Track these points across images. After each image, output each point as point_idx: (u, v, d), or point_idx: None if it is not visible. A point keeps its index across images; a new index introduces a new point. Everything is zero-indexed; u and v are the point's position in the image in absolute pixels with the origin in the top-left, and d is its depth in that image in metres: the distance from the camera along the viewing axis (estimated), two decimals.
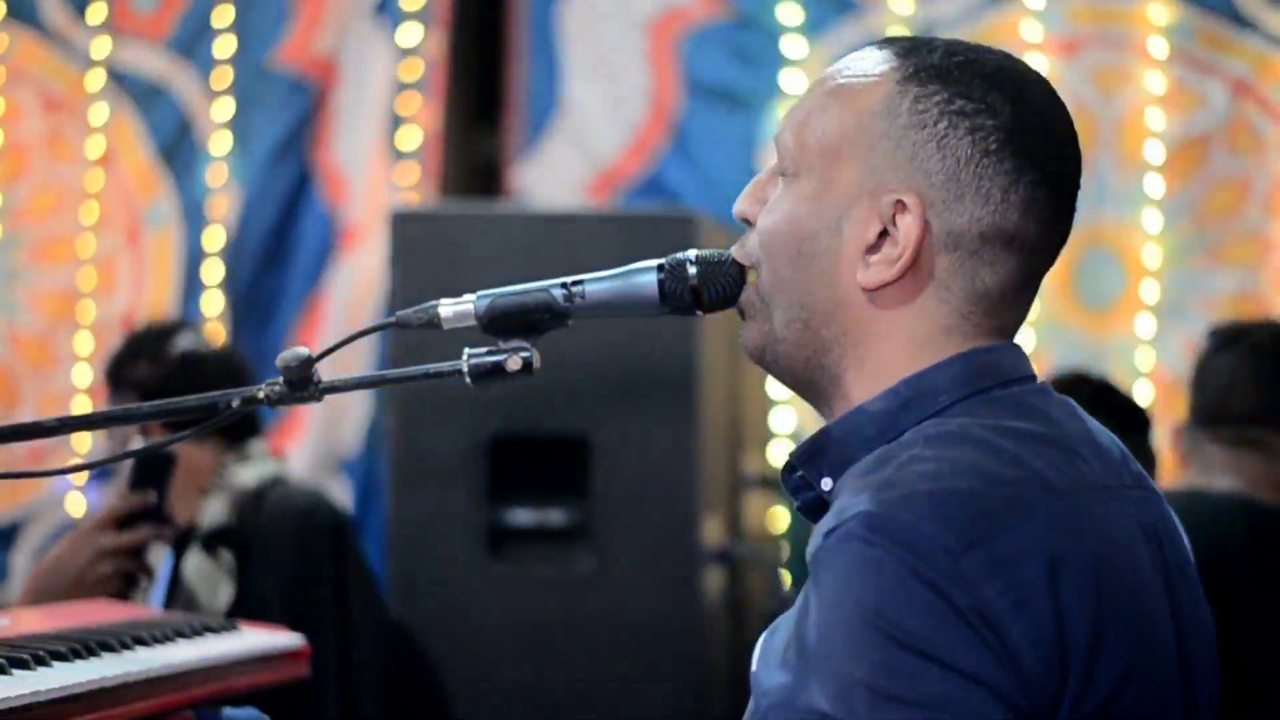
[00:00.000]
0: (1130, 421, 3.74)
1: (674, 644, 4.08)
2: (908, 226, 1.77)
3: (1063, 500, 1.70)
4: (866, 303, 1.80)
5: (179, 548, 3.88)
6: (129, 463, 2.95)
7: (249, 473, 3.89)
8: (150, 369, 4.03)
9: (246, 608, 3.71)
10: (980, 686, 1.60)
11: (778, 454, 4.98)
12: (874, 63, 1.83)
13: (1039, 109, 1.80)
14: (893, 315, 1.80)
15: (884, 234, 1.79)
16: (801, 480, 1.84)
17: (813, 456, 1.82)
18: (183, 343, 4.13)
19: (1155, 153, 4.82)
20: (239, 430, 3.93)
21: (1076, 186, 1.83)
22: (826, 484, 1.80)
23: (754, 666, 1.78)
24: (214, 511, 3.84)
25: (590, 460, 4.14)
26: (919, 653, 1.60)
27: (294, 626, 3.34)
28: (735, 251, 1.91)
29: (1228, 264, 4.81)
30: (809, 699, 1.62)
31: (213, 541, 3.82)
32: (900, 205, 1.77)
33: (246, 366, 3.98)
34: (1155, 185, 4.82)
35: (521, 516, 4.19)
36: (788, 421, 4.95)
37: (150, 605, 3.91)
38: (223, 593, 3.78)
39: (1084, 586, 1.66)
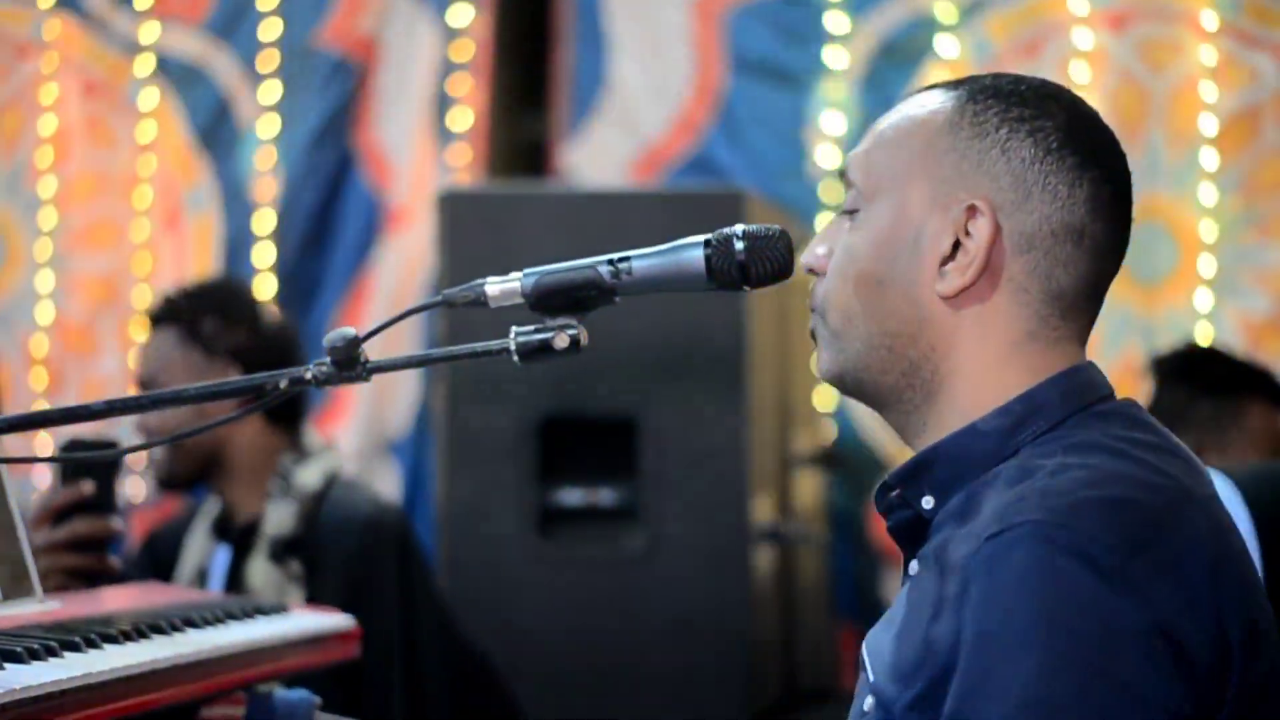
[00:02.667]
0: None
1: (723, 623, 4.08)
2: (979, 229, 1.81)
3: (1202, 507, 1.74)
4: (949, 313, 1.83)
5: (239, 546, 3.85)
6: (56, 476, 2.81)
7: (311, 473, 3.84)
8: (250, 338, 3.91)
9: None
10: (1142, 705, 1.61)
11: (827, 433, 4.97)
12: (928, 99, 1.90)
13: (1089, 114, 1.88)
14: (976, 322, 1.83)
15: (957, 245, 1.82)
16: (898, 499, 1.86)
17: (915, 475, 1.84)
18: (269, 314, 4.03)
19: (1209, 126, 4.78)
20: (290, 414, 3.90)
21: (1131, 189, 1.88)
22: (928, 503, 1.83)
23: (870, 673, 1.79)
24: (280, 519, 3.79)
25: (640, 440, 4.13)
26: (1086, 664, 1.61)
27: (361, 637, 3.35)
28: (810, 300, 1.93)
29: (1278, 238, 4.77)
30: (969, 707, 1.63)
31: (280, 551, 3.79)
32: (971, 210, 1.82)
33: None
34: (1210, 159, 4.78)
35: (571, 496, 4.19)
36: (834, 400, 4.94)
37: None
38: (293, 602, 3.76)
39: (1235, 588, 1.70)
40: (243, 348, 3.82)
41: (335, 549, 3.73)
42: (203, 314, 3.89)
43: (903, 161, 1.85)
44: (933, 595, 1.72)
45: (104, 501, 2.81)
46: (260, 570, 3.75)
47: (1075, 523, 1.64)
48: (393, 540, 3.76)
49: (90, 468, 2.81)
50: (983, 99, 1.85)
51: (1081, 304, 1.84)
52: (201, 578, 3.89)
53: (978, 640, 1.63)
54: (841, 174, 1.93)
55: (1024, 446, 1.78)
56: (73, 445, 2.79)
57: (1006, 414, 1.80)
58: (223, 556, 3.88)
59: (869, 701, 1.78)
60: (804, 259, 1.93)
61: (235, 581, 3.81)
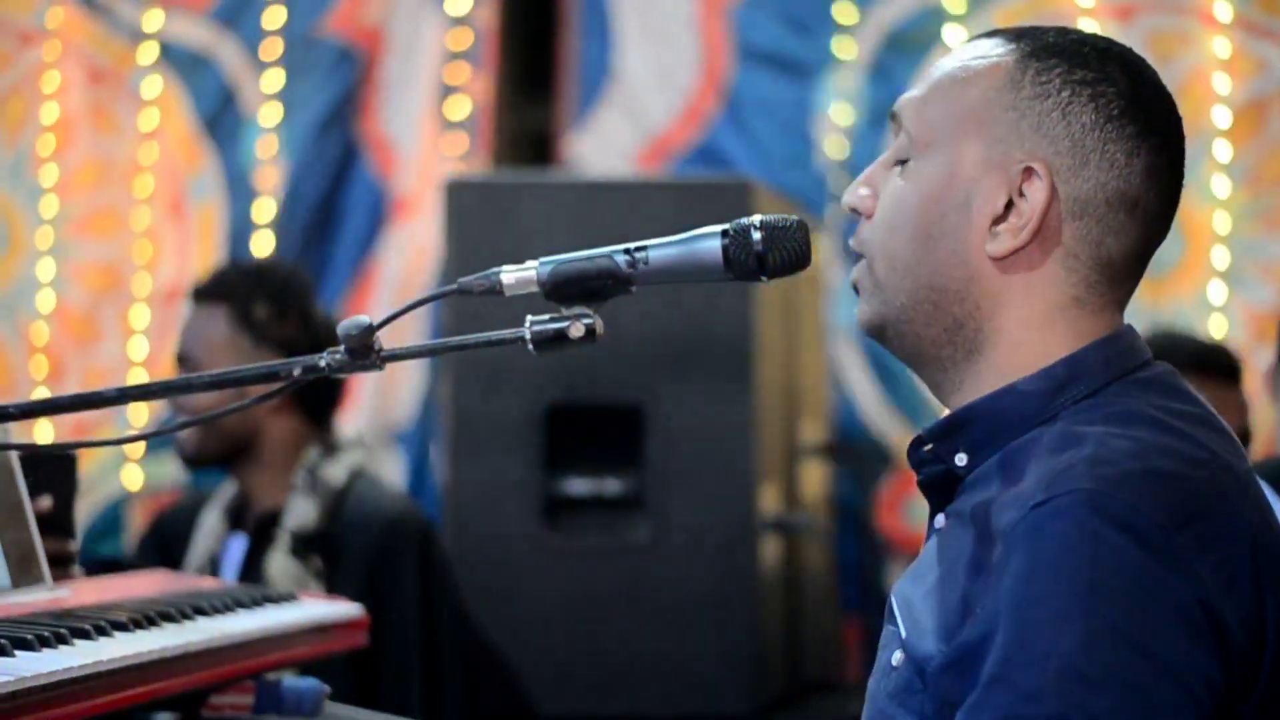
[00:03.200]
0: (1230, 372, 3.89)
1: (729, 613, 4.07)
2: (1035, 192, 1.80)
3: (1242, 481, 1.74)
4: (998, 274, 1.82)
5: (258, 536, 3.83)
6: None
7: (338, 469, 3.82)
8: (299, 331, 3.86)
9: None
10: (1180, 681, 1.61)
11: (835, 423, 4.96)
12: (988, 47, 1.87)
13: (1152, 80, 1.85)
14: (1024, 284, 1.82)
15: (1010, 205, 1.81)
16: (930, 454, 1.85)
17: (951, 432, 1.84)
18: (320, 306, 3.98)
19: (1222, 117, 4.77)
20: (323, 407, 3.87)
21: (1184, 157, 1.86)
22: (961, 459, 1.82)
23: (901, 628, 1.79)
24: (303, 513, 3.77)
25: (646, 429, 4.12)
26: (1127, 637, 1.61)
27: (376, 637, 3.35)
28: (853, 242, 1.92)
29: None
30: (1008, 674, 1.62)
31: (302, 545, 3.77)
32: (1028, 172, 1.80)
33: None
34: (1223, 150, 4.77)
35: (577, 486, 4.18)
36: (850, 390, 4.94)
37: None
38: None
39: (1274, 567, 1.69)
40: (291, 339, 3.77)
41: (357, 546, 3.72)
42: (256, 298, 3.84)
43: (959, 114, 1.84)
44: (969, 557, 1.72)
45: (62, 520, 2.71)
46: (280, 564, 3.73)
47: (1122, 494, 1.64)
48: (415, 539, 3.75)
49: (49, 485, 2.69)
50: (1046, 57, 1.82)
51: (1129, 271, 1.84)
52: (213, 564, 3.87)
53: (1019, 607, 1.63)
54: (892, 115, 1.91)
55: (1064, 410, 1.77)
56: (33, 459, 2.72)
57: (1048, 377, 1.79)
58: (238, 545, 3.86)
59: (898, 655, 1.78)
60: (848, 199, 1.91)
61: (251, 572, 3.79)
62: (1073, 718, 1.58)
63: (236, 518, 3.89)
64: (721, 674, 4.07)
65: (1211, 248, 4.77)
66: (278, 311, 3.80)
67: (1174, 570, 1.63)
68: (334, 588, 3.67)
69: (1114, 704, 1.59)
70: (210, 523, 3.93)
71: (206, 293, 3.90)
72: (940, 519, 1.85)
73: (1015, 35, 1.87)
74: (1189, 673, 1.61)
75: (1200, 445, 1.73)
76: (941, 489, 1.85)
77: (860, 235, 1.90)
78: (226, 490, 3.94)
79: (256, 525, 3.82)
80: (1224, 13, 4.77)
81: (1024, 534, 1.65)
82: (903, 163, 1.87)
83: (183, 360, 3.85)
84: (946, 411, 1.88)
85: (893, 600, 1.84)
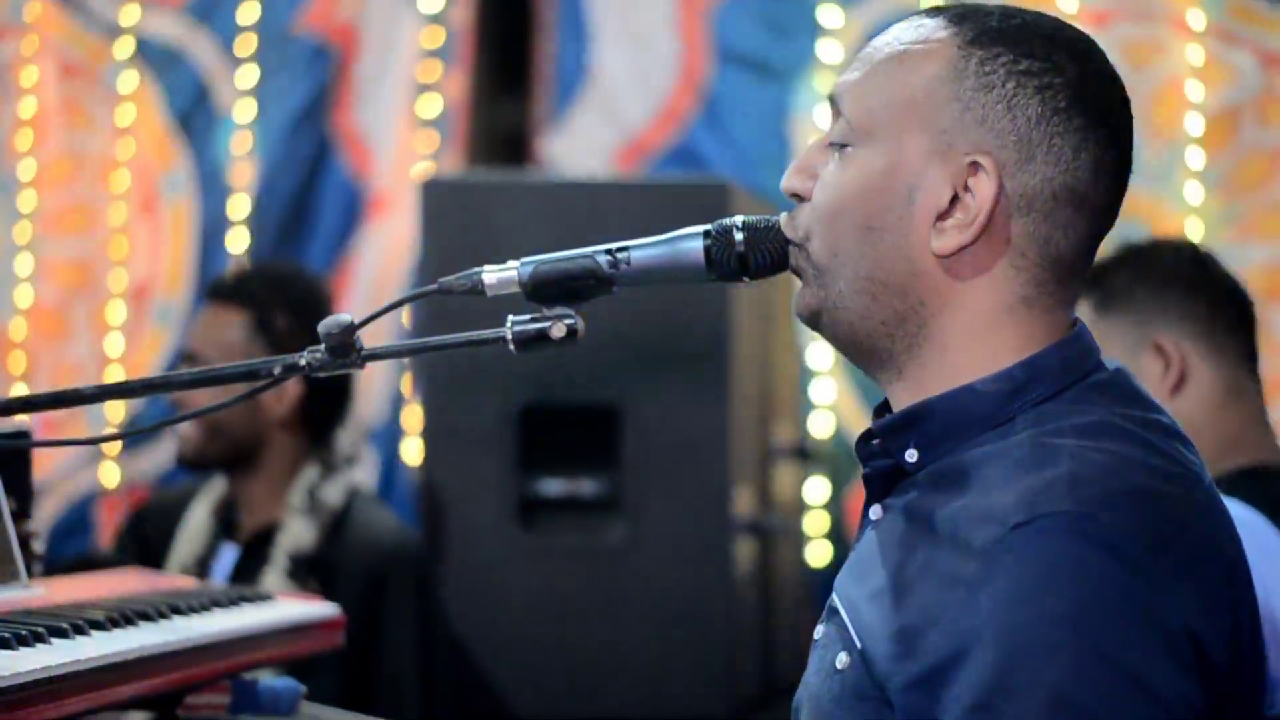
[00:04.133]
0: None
1: (704, 615, 4.07)
2: (982, 188, 1.75)
3: (1210, 493, 1.73)
4: (942, 272, 1.78)
5: (249, 550, 3.82)
6: None
7: (335, 490, 3.82)
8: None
9: None
10: (1164, 709, 1.60)
11: (815, 426, 4.96)
12: (930, 30, 1.81)
13: (1101, 68, 1.80)
14: (970, 284, 1.78)
15: (954, 199, 1.77)
16: (879, 447, 1.83)
17: (901, 428, 1.80)
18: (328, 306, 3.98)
19: (1195, 125, 4.79)
20: (327, 424, 3.86)
21: (1132, 148, 1.83)
22: (912, 455, 1.79)
23: (853, 632, 1.75)
24: (301, 535, 3.76)
25: (621, 430, 4.12)
26: (1114, 663, 1.59)
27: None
28: (784, 225, 1.89)
29: (1258, 236, 4.78)
30: (993, 702, 1.60)
31: (299, 568, 3.75)
32: (974, 167, 1.76)
33: None
34: (1196, 158, 4.79)
35: (552, 487, 4.17)
36: (825, 393, 4.94)
37: None
38: None
39: (1246, 586, 1.69)
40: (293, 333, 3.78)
41: (355, 572, 3.72)
42: (277, 307, 3.86)
43: (899, 102, 1.79)
44: (929, 565, 1.69)
45: (22, 507, 2.65)
46: (276, 586, 3.71)
47: (1105, 516, 1.63)
48: (412, 568, 3.76)
49: (8, 472, 2.64)
50: (989, 44, 1.77)
51: (1078, 268, 1.80)
52: (200, 567, 3.85)
53: (1004, 633, 1.61)
54: (830, 99, 1.87)
55: (1020, 414, 1.74)
56: None
57: (1006, 379, 1.76)
58: (229, 555, 3.84)
59: (843, 658, 1.75)
60: (787, 183, 1.88)
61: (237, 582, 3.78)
62: None
63: (228, 526, 3.87)
64: (696, 676, 4.06)
65: None
66: (298, 323, 3.80)
67: (1160, 595, 1.62)
68: None
69: None
70: (197, 521, 3.91)
71: (226, 294, 3.89)
72: (876, 510, 1.84)
73: (957, 17, 1.81)
74: (1176, 701, 1.60)
75: (1171, 459, 1.72)
76: (884, 482, 1.83)
77: (797, 220, 1.88)
78: (215, 488, 3.92)
79: (250, 539, 3.80)
80: (1197, 21, 4.78)
81: (1006, 555, 1.63)
82: (841, 148, 1.83)
83: (191, 358, 3.84)
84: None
85: (835, 599, 1.81)
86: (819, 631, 1.84)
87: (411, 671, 3.70)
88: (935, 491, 1.75)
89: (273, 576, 3.74)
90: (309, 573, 3.71)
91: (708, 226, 1.94)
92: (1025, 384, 1.76)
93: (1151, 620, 1.61)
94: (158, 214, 5.34)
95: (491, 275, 1.97)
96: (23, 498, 2.70)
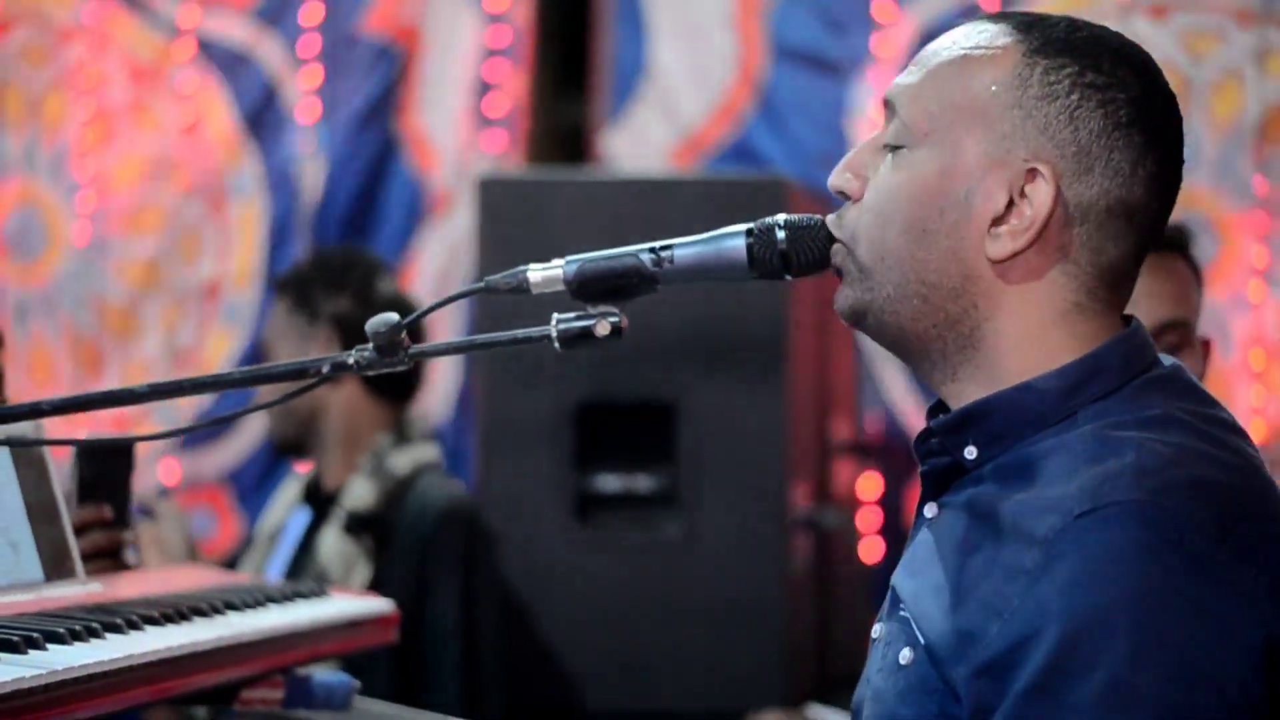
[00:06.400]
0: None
1: (760, 611, 4.08)
2: (1040, 195, 1.76)
3: (1270, 485, 1.73)
4: (995, 277, 1.78)
5: (318, 512, 3.92)
6: (75, 473, 2.79)
7: (404, 459, 3.91)
8: (355, 305, 3.97)
9: (379, 592, 3.71)
10: (1221, 698, 1.61)
11: (871, 422, 4.96)
12: (994, 35, 1.82)
13: (1162, 87, 1.81)
14: (1023, 289, 1.79)
15: (1010, 205, 1.77)
16: (938, 445, 1.83)
17: (960, 427, 1.81)
18: (385, 285, 4.11)
19: (1255, 115, 4.75)
20: (391, 390, 3.95)
21: (1183, 164, 1.83)
22: (971, 453, 1.79)
23: (916, 628, 1.75)
24: (361, 494, 3.85)
25: (678, 426, 4.13)
26: (1174, 651, 1.60)
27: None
28: (831, 224, 1.89)
29: None
30: (1053, 685, 1.61)
31: (355, 524, 3.83)
32: (1032, 173, 1.76)
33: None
34: (1257, 148, 4.75)
35: (609, 483, 4.19)
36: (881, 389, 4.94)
37: (268, 567, 3.97)
38: (358, 575, 3.80)
39: None
40: (345, 314, 3.92)
41: (408, 532, 3.80)
42: (312, 281, 4.01)
43: (960, 105, 1.79)
44: (990, 558, 1.69)
45: (119, 516, 2.79)
46: (331, 540, 3.81)
47: (1169, 505, 1.63)
48: (462, 530, 3.82)
49: (108, 481, 2.78)
50: (1055, 54, 1.77)
51: (1127, 277, 1.81)
52: (281, 533, 3.98)
53: (1065, 619, 1.61)
54: (886, 102, 1.86)
55: (1080, 409, 1.75)
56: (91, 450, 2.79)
57: (1066, 375, 1.76)
58: (300, 519, 3.95)
59: (907, 653, 1.75)
60: (835, 180, 1.88)
61: (308, 547, 3.87)
62: None
63: (309, 494, 4.00)
64: (752, 669, 4.08)
65: (1245, 247, 4.75)
66: (330, 291, 3.95)
67: (1220, 584, 1.62)
68: (381, 570, 3.74)
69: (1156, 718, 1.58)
70: (288, 495, 4.05)
71: (279, 285, 4.08)
72: (932, 508, 1.84)
73: (1023, 25, 1.81)
74: (1234, 690, 1.61)
75: (1232, 450, 1.73)
76: (942, 480, 1.83)
77: (845, 219, 1.87)
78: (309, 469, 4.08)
79: (321, 502, 3.91)
80: (1252, 11, 4.75)
81: (1070, 543, 1.63)
82: (895, 149, 1.83)
83: (262, 351, 4.02)
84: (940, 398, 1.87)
85: (896, 595, 1.81)
86: (878, 629, 1.85)
87: (455, 632, 3.74)
88: (998, 486, 1.75)
89: (330, 533, 3.82)
90: (364, 529, 3.80)
91: (750, 225, 1.94)
92: (1084, 381, 1.76)
93: (1212, 609, 1.61)
94: (226, 214, 5.39)
95: (537, 274, 1.97)
96: (120, 508, 2.77)
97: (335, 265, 4.08)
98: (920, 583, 1.78)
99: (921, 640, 1.74)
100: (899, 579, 1.83)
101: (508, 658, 3.88)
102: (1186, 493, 1.65)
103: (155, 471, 5.31)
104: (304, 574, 3.79)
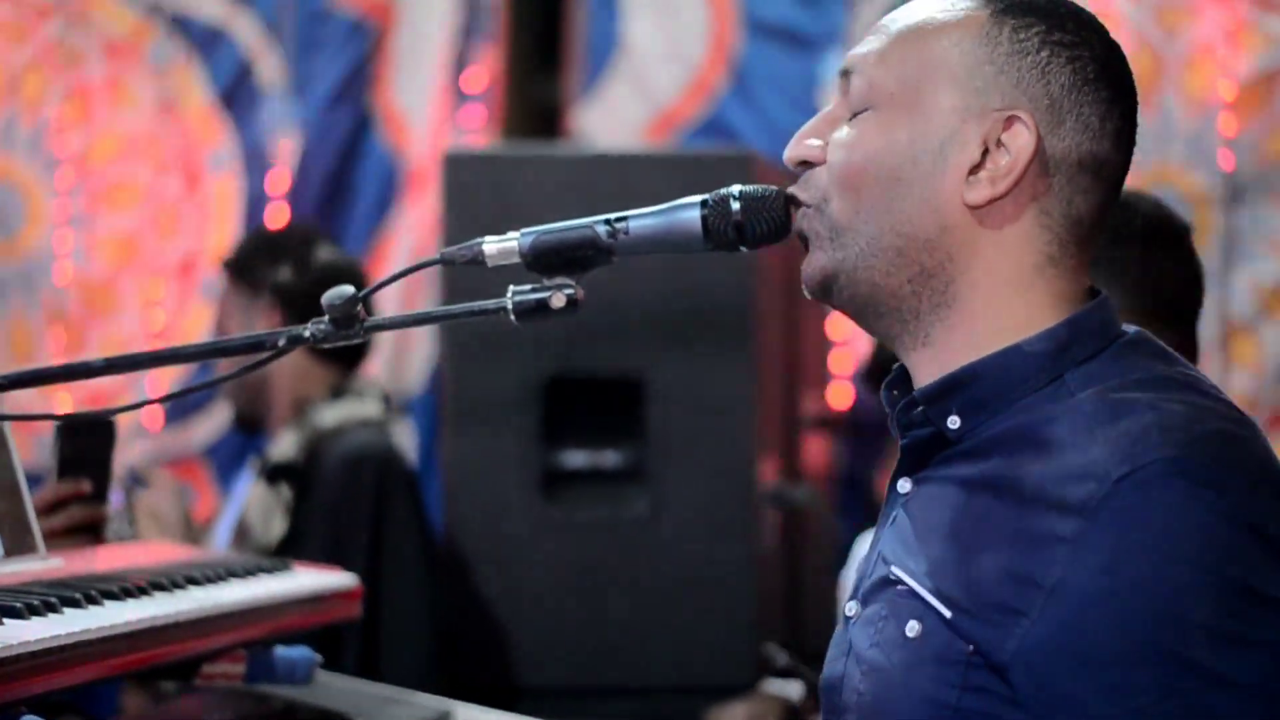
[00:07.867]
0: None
1: (729, 586, 4.08)
2: (1019, 140, 1.78)
3: (1266, 439, 1.76)
4: (973, 223, 1.80)
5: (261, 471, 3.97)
6: (55, 448, 2.82)
7: (333, 413, 3.94)
8: (294, 276, 4.01)
9: (296, 544, 3.75)
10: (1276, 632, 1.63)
11: (837, 396, 4.96)
12: (954, 2, 1.84)
13: (1117, 47, 1.85)
14: (999, 237, 1.80)
15: (985, 154, 1.79)
16: (921, 416, 1.83)
17: (945, 394, 1.81)
18: (323, 253, 4.14)
19: (1228, 91, 4.75)
20: (336, 355, 3.97)
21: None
22: (954, 422, 1.80)
23: (937, 603, 1.74)
24: (284, 447, 3.91)
25: (645, 401, 4.13)
26: (1252, 592, 1.63)
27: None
28: (796, 191, 1.89)
29: None
30: (1148, 648, 1.62)
31: (276, 475, 3.86)
32: (1010, 121, 1.79)
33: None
34: (1229, 124, 4.76)
35: (576, 458, 4.18)
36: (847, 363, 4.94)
37: (217, 528, 4.00)
38: (275, 526, 3.83)
39: None
40: (285, 284, 3.97)
41: (321, 482, 3.82)
42: (251, 257, 4.07)
43: (929, 65, 1.81)
44: (1011, 529, 1.69)
45: (99, 491, 2.83)
46: (257, 493, 3.84)
47: (1205, 456, 1.66)
48: (372, 479, 3.82)
49: (88, 457, 2.82)
50: (1021, 14, 1.80)
51: (1093, 233, 1.83)
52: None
53: (1140, 584, 1.63)
54: (843, 73, 1.87)
55: (1066, 372, 1.76)
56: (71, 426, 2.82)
57: (1052, 338, 1.78)
58: (246, 479, 3.99)
59: (915, 627, 1.74)
60: (793, 151, 1.88)
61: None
62: (1240, 679, 1.61)
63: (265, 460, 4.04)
64: (721, 645, 4.08)
65: (1212, 221, 4.75)
66: (269, 264, 4.01)
67: (1267, 519, 1.65)
68: (298, 522, 3.76)
69: (1271, 657, 1.62)
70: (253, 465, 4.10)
71: (224, 266, 4.16)
72: (906, 483, 1.84)
73: None
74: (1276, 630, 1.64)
75: (1228, 404, 1.76)
76: (922, 453, 1.83)
77: (811, 182, 1.86)
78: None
79: (263, 465, 3.95)
80: None
81: (1114, 508, 1.64)
82: (859, 114, 1.83)
83: (216, 332, 4.08)
84: (905, 365, 1.86)
85: (892, 571, 1.79)
86: (864, 608, 1.83)
87: (365, 574, 3.74)
88: (1004, 457, 1.75)
89: (256, 488, 3.86)
90: (282, 478, 3.83)
91: (705, 196, 1.94)
92: (1068, 344, 1.78)
93: (1271, 542, 1.64)
94: (202, 191, 5.38)
95: (492, 246, 1.97)
96: (100, 483, 2.79)
97: (273, 238, 4.17)
98: (922, 556, 1.77)
99: (943, 612, 1.72)
100: (893, 554, 1.81)
101: (431, 615, 3.86)
102: (1214, 444, 1.67)
103: (136, 448, 5.30)
104: (238, 531, 3.85)
